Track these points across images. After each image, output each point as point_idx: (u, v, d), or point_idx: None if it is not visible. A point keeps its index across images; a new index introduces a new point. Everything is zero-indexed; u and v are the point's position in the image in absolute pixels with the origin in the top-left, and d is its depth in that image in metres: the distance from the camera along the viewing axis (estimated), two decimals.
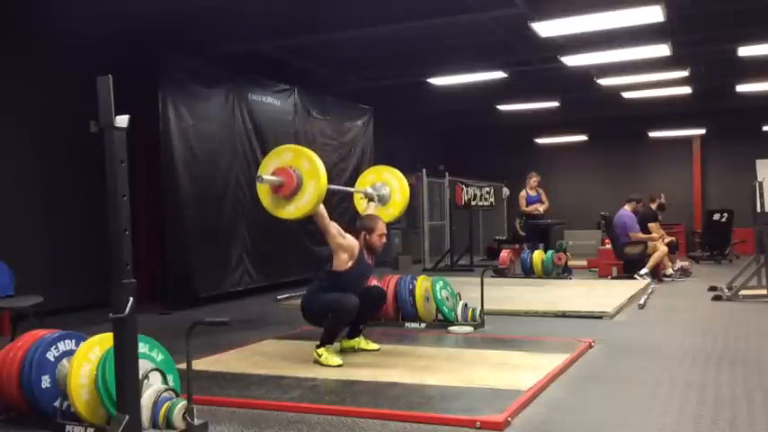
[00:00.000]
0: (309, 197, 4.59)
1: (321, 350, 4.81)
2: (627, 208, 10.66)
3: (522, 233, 12.58)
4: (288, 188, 4.59)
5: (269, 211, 4.79)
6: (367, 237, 5.09)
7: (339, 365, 4.69)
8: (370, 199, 5.77)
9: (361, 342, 5.23)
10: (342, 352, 5.06)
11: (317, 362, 4.77)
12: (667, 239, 10.66)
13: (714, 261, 13.12)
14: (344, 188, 5.76)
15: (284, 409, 3.77)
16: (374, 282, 6.38)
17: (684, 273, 10.63)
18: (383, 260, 12.42)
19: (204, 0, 7.39)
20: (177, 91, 8.28)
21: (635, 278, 9.84)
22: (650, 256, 10.08)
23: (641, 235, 10.33)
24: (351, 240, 4.98)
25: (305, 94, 10.60)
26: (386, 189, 5.82)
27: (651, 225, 10.52)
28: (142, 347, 3.30)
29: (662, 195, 11.76)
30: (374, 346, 5.27)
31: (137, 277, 3.00)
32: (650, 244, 10.20)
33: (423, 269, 12.47)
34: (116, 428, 2.91)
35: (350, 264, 4.94)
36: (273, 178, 4.61)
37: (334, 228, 4.90)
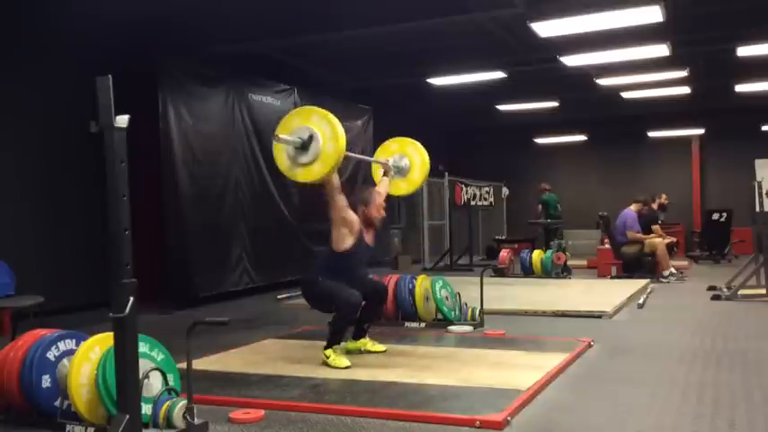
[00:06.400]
0: (327, 160, 4.44)
1: (328, 351, 4.74)
2: (632, 208, 10.64)
3: None
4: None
5: (284, 173, 4.66)
6: (365, 210, 4.98)
7: (347, 367, 4.63)
8: (386, 171, 5.67)
9: (367, 344, 5.17)
10: (348, 353, 4.95)
11: (325, 363, 4.71)
12: (667, 240, 10.66)
13: (713, 261, 13.13)
14: (363, 156, 5.62)
15: (284, 409, 3.77)
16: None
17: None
18: (383, 260, 12.46)
19: (204, 0, 7.40)
20: (177, 91, 8.29)
21: (661, 281, 9.78)
22: (649, 255, 10.09)
23: (638, 235, 10.33)
24: (353, 215, 4.87)
25: (305, 94, 10.60)
26: (405, 161, 5.72)
27: (655, 228, 10.50)
28: (142, 347, 3.30)
29: (663, 195, 11.72)
30: (380, 347, 5.18)
31: (137, 277, 3.00)
32: (647, 242, 10.19)
33: (422, 269, 12.48)
34: (116, 428, 2.91)
35: (350, 242, 4.82)
36: (291, 138, 4.48)
37: (343, 200, 4.79)
